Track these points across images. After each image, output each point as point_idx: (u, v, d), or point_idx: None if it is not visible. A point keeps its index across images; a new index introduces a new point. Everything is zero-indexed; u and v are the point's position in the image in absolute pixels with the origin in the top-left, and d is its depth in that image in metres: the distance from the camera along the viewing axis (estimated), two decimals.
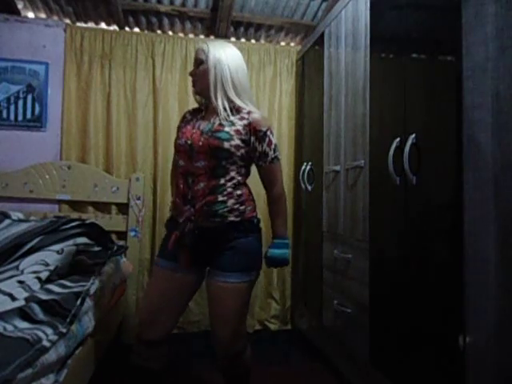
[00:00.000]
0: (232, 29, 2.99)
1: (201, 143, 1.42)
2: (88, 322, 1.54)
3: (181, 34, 3.02)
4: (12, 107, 2.70)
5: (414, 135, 1.46)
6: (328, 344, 2.30)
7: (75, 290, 1.58)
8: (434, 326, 1.37)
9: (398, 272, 1.59)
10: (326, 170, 2.40)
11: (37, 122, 2.73)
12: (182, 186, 1.45)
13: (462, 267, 1.23)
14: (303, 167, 2.68)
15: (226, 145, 1.41)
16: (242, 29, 3.03)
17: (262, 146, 1.47)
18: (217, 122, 1.46)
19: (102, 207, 2.73)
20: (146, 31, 2.95)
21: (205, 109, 1.57)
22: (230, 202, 1.42)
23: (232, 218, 1.42)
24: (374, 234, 1.80)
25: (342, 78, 2.19)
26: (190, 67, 2.96)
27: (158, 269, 1.50)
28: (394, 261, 1.62)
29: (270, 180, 1.54)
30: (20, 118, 2.71)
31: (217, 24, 2.88)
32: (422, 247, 1.46)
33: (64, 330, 1.29)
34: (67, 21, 2.84)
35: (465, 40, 1.25)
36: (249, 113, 1.47)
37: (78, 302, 1.48)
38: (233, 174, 1.45)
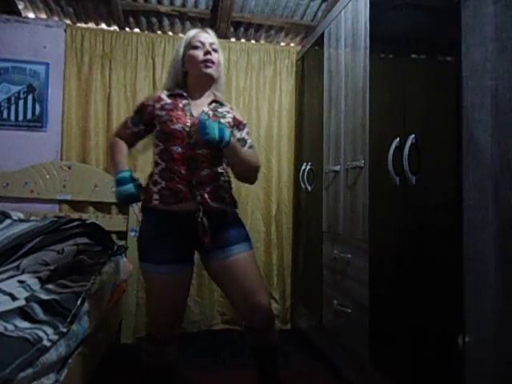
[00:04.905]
0: (232, 29, 3.00)
1: None
2: (88, 321, 1.54)
3: (181, 35, 3.02)
4: (13, 107, 2.70)
5: (413, 135, 1.47)
6: (328, 344, 2.31)
7: (75, 289, 1.58)
8: (434, 326, 1.38)
9: (397, 272, 1.59)
10: (325, 170, 2.40)
11: (37, 122, 2.73)
12: (184, 171, 1.43)
13: (461, 267, 1.23)
14: (303, 167, 2.69)
15: None
16: (241, 29, 3.03)
17: (241, 134, 1.58)
18: (210, 113, 1.51)
19: (103, 207, 2.73)
20: (146, 31, 2.96)
21: (188, 96, 1.53)
22: (227, 186, 1.55)
23: (228, 200, 1.54)
24: (373, 234, 1.81)
25: (342, 78, 2.20)
26: None
27: (160, 276, 1.44)
28: (394, 261, 1.62)
29: None
30: (20, 118, 2.71)
31: (217, 24, 2.88)
32: (421, 247, 1.46)
33: (64, 330, 1.29)
34: (68, 21, 2.85)
35: (464, 40, 1.25)
36: (231, 108, 1.62)
37: (79, 301, 1.48)
38: (224, 164, 1.55)
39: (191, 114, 1.48)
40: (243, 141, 1.57)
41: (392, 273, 1.64)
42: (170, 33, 3.01)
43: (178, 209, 1.43)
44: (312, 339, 2.54)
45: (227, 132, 1.37)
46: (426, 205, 1.45)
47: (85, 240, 2.13)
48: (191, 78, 1.54)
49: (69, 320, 1.35)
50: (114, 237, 2.58)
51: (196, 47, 1.51)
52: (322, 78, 2.48)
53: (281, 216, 2.99)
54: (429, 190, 1.42)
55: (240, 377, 2.12)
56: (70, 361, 1.31)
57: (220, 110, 1.55)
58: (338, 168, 2.22)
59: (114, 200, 2.67)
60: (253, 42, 3.12)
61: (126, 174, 1.47)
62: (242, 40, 3.09)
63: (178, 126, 1.43)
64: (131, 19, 2.87)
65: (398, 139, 1.56)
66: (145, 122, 1.54)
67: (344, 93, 2.17)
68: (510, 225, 1.22)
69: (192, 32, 1.56)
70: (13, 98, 2.71)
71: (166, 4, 2.77)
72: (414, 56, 1.56)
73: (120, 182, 1.45)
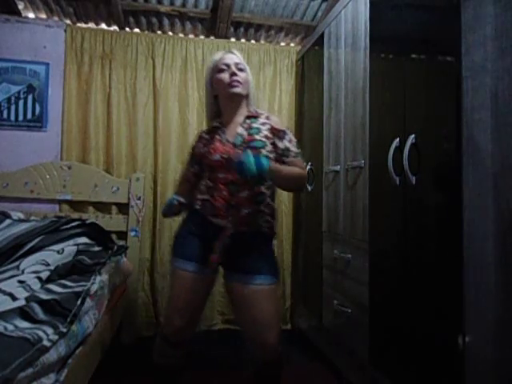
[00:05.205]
0: (232, 29, 3.00)
1: None
2: (88, 321, 1.54)
3: (181, 35, 3.02)
4: (13, 107, 2.70)
5: (413, 135, 1.47)
6: (328, 344, 2.31)
7: (76, 289, 1.58)
8: (434, 326, 1.38)
9: (397, 272, 1.59)
10: (325, 170, 2.40)
11: (37, 122, 2.73)
12: (225, 193, 1.49)
13: (461, 267, 1.23)
14: None
15: (264, 152, 1.49)
16: (241, 29, 3.03)
17: (284, 143, 1.55)
18: (245, 133, 1.54)
19: (103, 207, 2.73)
20: (146, 31, 2.95)
21: (221, 123, 1.62)
22: (267, 213, 1.54)
23: (265, 229, 1.54)
24: (373, 233, 1.81)
25: (342, 78, 2.20)
26: (190, 67, 2.99)
27: (185, 273, 1.50)
28: (394, 261, 1.62)
29: None
30: (21, 118, 2.71)
31: (217, 24, 2.89)
32: (421, 247, 1.46)
33: (64, 330, 1.29)
34: (68, 21, 2.85)
35: (464, 40, 1.25)
36: (267, 117, 1.61)
37: (79, 301, 1.48)
38: (269, 182, 1.54)
39: (227, 141, 1.54)
40: (287, 150, 1.54)
41: (392, 273, 1.64)
42: (170, 33, 3.00)
43: (212, 220, 1.51)
44: (312, 339, 2.54)
45: (264, 160, 1.38)
46: (426, 205, 1.45)
47: (85, 240, 2.13)
48: (221, 99, 1.61)
49: (69, 320, 1.35)
50: (114, 237, 2.58)
51: (222, 70, 1.56)
52: (321, 78, 2.48)
53: (281, 216, 2.99)
54: (428, 190, 1.42)
55: (240, 377, 2.12)
56: (70, 361, 1.31)
57: (254, 125, 1.56)
58: (338, 168, 2.22)
59: (114, 200, 2.71)
60: (253, 41, 3.12)
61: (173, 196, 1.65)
62: (242, 40, 3.09)
63: (216, 157, 1.51)
64: (131, 19, 2.87)
65: (397, 139, 1.56)
66: (198, 162, 1.65)
67: (344, 93, 2.17)
68: (510, 225, 1.22)
69: (217, 55, 1.62)
70: (13, 98, 2.71)
71: (166, 4, 2.77)
72: (414, 56, 1.56)
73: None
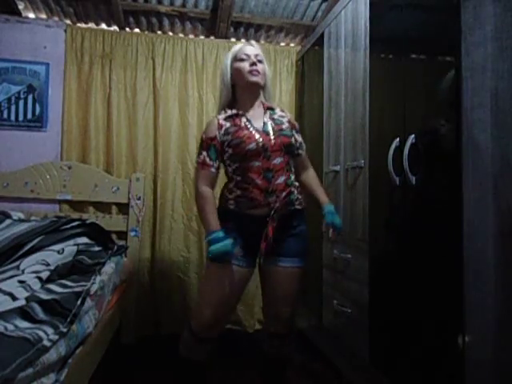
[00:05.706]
0: (232, 29, 3.00)
1: (273, 142, 1.53)
2: (88, 321, 1.54)
3: (181, 35, 3.02)
4: (13, 107, 2.70)
5: (413, 135, 1.47)
6: (328, 344, 2.31)
7: (76, 289, 1.58)
8: (434, 326, 1.38)
9: (397, 272, 1.59)
10: (325, 170, 2.40)
11: (37, 123, 2.73)
12: (261, 181, 1.51)
13: (461, 267, 1.23)
14: None
15: (293, 140, 1.60)
16: (241, 29, 3.03)
17: (299, 137, 1.68)
18: (270, 122, 1.59)
19: (103, 207, 2.73)
20: (146, 32, 2.95)
21: (241, 111, 1.61)
22: (296, 191, 1.61)
23: (297, 206, 1.59)
24: (373, 234, 1.81)
25: (342, 78, 2.20)
26: (190, 67, 2.99)
27: (221, 264, 1.48)
28: (394, 261, 1.62)
29: (305, 165, 1.75)
30: (21, 118, 2.71)
31: (217, 24, 2.89)
32: (421, 247, 1.46)
33: (64, 330, 1.29)
34: (68, 21, 2.85)
35: (464, 40, 1.25)
36: (283, 111, 1.70)
37: (79, 301, 1.48)
38: (293, 169, 1.64)
39: (254, 128, 1.56)
40: (301, 144, 1.68)
41: (392, 273, 1.64)
42: (170, 33, 3.00)
43: (251, 213, 1.52)
44: (312, 339, 2.54)
45: (330, 207, 1.65)
46: (425, 205, 1.45)
47: (85, 240, 2.12)
48: (239, 88, 1.63)
49: (69, 320, 1.35)
50: (114, 237, 2.58)
51: (242, 59, 1.61)
52: (321, 78, 2.48)
53: None
54: (428, 190, 1.42)
55: (240, 377, 2.13)
56: (70, 361, 1.31)
57: (275, 117, 1.63)
58: (337, 168, 2.22)
59: (114, 200, 2.71)
60: (253, 42, 3.12)
61: (220, 234, 1.47)
62: (242, 40, 3.09)
63: (251, 146, 1.51)
64: (131, 19, 2.87)
65: (397, 139, 1.56)
66: (219, 153, 1.58)
67: (344, 93, 2.17)
68: (510, 225, 1.22)
69: (237, 46, 1.68)
70: (13, 98, 2.71)
71: (166, 4, 2.77)
72: (414, 56, 1.56)
73: (215, 241, 1.45)
